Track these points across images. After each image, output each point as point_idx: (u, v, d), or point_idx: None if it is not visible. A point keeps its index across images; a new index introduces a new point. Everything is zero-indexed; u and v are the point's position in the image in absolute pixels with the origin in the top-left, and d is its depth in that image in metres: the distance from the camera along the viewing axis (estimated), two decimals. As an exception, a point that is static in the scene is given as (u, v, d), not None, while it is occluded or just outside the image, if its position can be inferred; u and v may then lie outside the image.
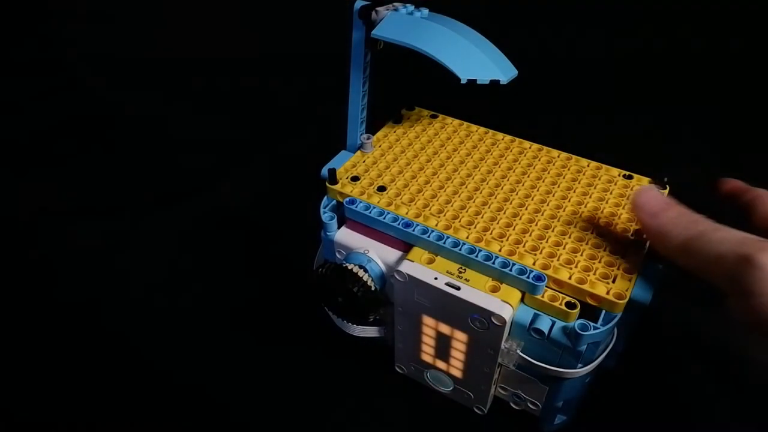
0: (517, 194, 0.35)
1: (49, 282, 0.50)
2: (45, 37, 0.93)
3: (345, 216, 0.35)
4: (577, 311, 0.29)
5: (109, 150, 0.69)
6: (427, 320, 0.33)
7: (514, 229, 0.32)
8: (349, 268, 0.33)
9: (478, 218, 0.33)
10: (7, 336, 0.46)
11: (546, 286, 0.30)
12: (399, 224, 0.33)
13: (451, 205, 0.34)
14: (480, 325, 0.30)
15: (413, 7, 0.34)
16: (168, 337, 0.45)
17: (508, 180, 0.36)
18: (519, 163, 0.38)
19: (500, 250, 0.31)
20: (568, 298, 0.29)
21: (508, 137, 0.40)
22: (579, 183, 0.36)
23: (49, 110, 0.77)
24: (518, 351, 0.31)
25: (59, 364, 0.43)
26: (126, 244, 0.54)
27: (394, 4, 0.34)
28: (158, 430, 0.39)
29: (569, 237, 0.32)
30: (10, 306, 0.48)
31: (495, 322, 0.29)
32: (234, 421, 0.40)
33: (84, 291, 0.49)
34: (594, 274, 0.29)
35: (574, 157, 0.38)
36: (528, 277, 0.29)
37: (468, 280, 0.30)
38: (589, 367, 0.31)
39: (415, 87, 0.50)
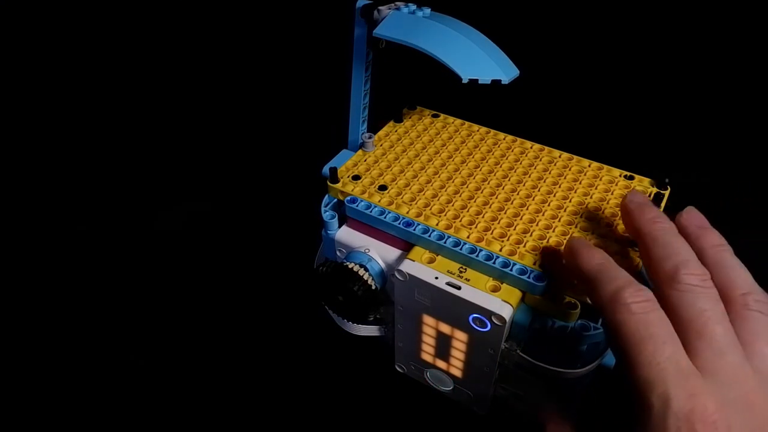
0: (518, 194, 0.35)
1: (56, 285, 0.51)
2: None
3: (346, 215, 0.35)
4: (577, 311, 0.29)
5: (109, 149, 0.69)
6: (428, 320, 0.33)
7: (515, 229, 0.32)
8: (350, 266, 0.33)
9: (479, 218, 0.33)
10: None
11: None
12: (400, 223, 0.33)
13: (452, 205, 0.34)
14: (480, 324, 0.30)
15: (415, 6, 0.34)
16: (167, 337, 0.45)
17: (509, 180, 0.36)
18: (520, 163, 0.38)
19: (501, 250, 0.31)
20: (568, 299, 0.29)
21: (509, 137, 0.40)
22: (580, 183, 0.36)
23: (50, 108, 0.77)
24: (518, 351, 0.31)
25: (57, 363, 0.43)
26: (123, 245, 0.54)
27: (396, 3, 0.34)
28: (158, 429, 0.39)
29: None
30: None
31: (495, 321, 0.29)
32: (234, 420, 0.40)
33: (84, 289, 0.50)
34: (595, 274, 0.29)
35: (575, 157, 0.38)
36: (529, 277, 0.29)
37: (468, 280, 0.30)
38: (589, 367, 0.31)
39: (417, 86, 0.50)
